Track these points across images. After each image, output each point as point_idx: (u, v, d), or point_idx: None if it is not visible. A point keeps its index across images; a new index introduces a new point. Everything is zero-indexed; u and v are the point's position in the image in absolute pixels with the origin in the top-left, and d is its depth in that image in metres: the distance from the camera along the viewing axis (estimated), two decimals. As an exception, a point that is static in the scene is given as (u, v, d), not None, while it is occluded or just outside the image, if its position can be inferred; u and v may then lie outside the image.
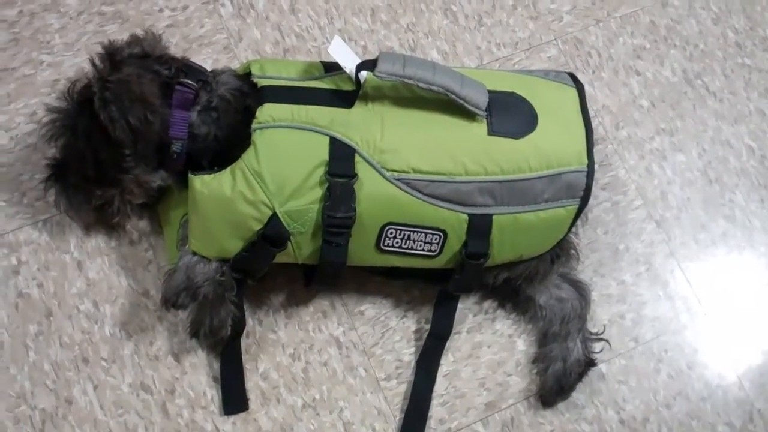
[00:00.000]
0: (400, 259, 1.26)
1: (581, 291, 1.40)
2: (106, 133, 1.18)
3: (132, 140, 1.18)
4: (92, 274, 1.37)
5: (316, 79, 1.25)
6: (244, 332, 1.34)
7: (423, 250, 1.24)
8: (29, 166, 1.41)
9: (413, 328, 1.41)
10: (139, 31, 1.28)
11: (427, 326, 1.39)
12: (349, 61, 1.23)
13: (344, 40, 1.53)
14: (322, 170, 1.17)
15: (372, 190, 1.18)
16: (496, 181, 1.20)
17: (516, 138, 1.21)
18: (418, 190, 1.19)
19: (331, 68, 1.27)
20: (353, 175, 1.17)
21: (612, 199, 1.53)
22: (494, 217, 1.22)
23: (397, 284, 1.41)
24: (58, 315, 1.34)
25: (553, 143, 1.23)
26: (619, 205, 1.53)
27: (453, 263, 1.28)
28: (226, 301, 1.26)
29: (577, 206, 1.25)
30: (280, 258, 1.23)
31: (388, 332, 1.40)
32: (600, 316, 1.45)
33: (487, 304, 1.44)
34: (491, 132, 1.21)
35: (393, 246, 1.23)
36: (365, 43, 1.57)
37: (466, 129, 1.21)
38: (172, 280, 1.24)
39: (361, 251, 1.24)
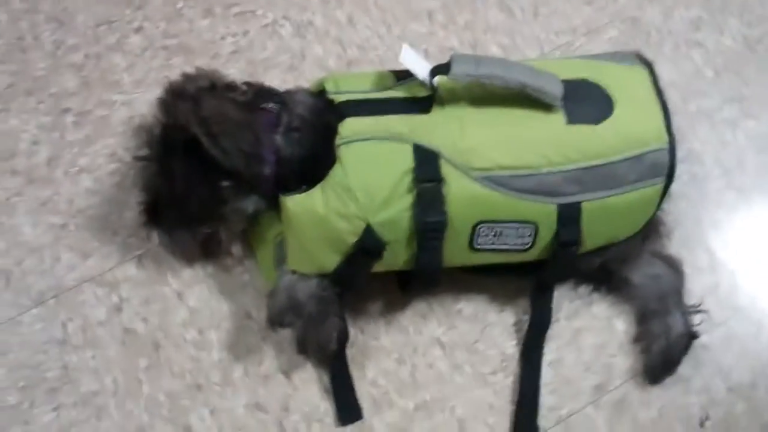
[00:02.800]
0: (494, 255, 1.27)
1: (674, 266, 1.40)
2: (204, 169, 1.21)
3: (246, 166, 1.20)
4: (193, 303, 1.39)
5: (389, 89, 1.27)
6: (348, 342, 1.35)
7: (516, 244, 1.25)
8: (116, 205, 1.44)
9: (512, 320, 1.41)
10: (190, 69, 1.30)
11: (526, 317, 1.39)
12: (420, 68, 1.24)
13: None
14: (409, 177, 1.18)
15: (460, 191, 1.19)
16: (581, 168, 1.21)
17: (595, 124, 1.22)
18: (504, 186, 1.20)
19: (403, 76, 1.28)
20: (440, 179, 1.18)
21: (690, 171, 1.54)
22: (583, 204, 1.23)
23: (491, 280, 1.42)
24: (165, 346, 1.36)
25: (631, 125, 1.23)
26: (698, 177, 1.53)
27: (546, 254, 1.28)
28: (330, 315, 1.28)
29: (662, 184, 1.25)
30: (377, 267, 1.25)
31: (488, 327, 1.41)
32: (694, 288, 1.45)
33: (582, 289, 1.44)
34: (570, 121, 1.22)
35: (486, 244, 1.24)
36: (426, 47, 1.58)
37: (544, 120, 1.22)
38: (275, 301, 1.26)
39: (456, 252, 1.25)
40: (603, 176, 1.22)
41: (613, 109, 1.23)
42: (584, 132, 1.21)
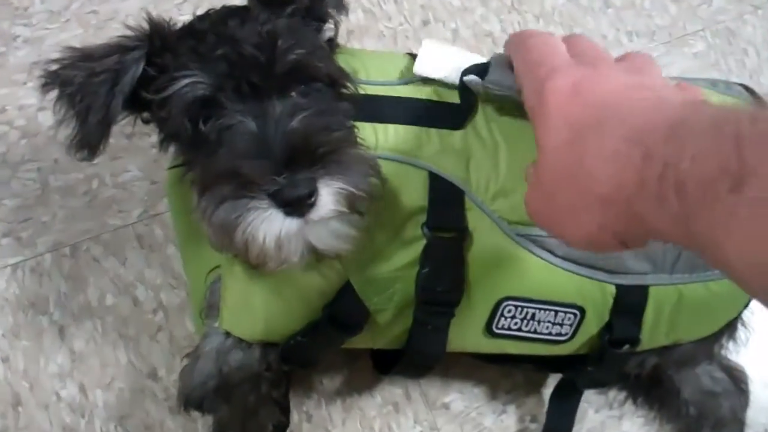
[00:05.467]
0: (517, 344, 0.88)
1: (739, 383, 1.03)
2: None
3: None
4: (79, 345, 0.99)
5: (409, 83, 0.84)
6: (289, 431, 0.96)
7: (550, 333, 0.86)
8: (-4, 186, 1.02)
9: (514, 428, 1.04)
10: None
11: (533, 426, 1.03)
12: (447, 69, 0.82)
13: (429, 20, 1.13)
14: (417, 220, 0.79)
15: (487, 251, 0.81)
16: None
17: None
18: (550, 251, 0.82)
19: None
20: (463, 228, 0.80)
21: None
22: (651, 288, 0.85)
23: (495, 368, 1.03)
24: (29, 404, 0.96)
25: None
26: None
27: (586, 349, 0.90)
28: (268, 401, 0.89)
29: None
30: (351, 343, 0.86)
31: (481, 434, 1.03)
32: (756, 412, 1.07)
33: (612, 395, 1.07)
34: None
35: (510, 328, 0.86)
36: (456, 26, 1.17)
37: None
38: (194, 372, 0.85)
39: (465, 334, 0.86)
40: (686, 254, 0.85)
41: None
42: None
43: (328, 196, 0.65)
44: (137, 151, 1.04)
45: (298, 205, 0.64)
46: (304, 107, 0.69)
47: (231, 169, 0.65)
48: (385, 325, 0.84)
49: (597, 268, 0.84)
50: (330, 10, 0.79)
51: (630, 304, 0.86)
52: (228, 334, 0.84)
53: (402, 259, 0.80)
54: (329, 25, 0.78)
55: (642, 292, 0.86)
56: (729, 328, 0.98)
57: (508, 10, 1.18)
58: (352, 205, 0.68)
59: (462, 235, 0.80)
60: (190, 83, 0.68)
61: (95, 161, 0.96)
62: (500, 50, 1.11)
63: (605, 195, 0.48)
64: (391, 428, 1.02)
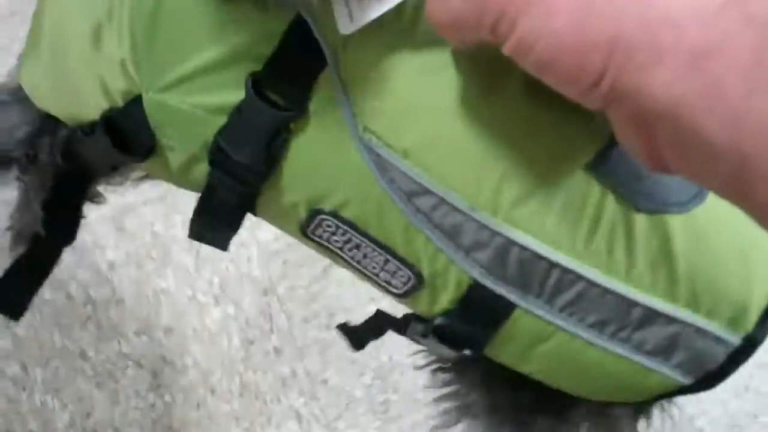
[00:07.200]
0: (343, 263, 0.65)
1: None
2: None
3: None
4: (21, 331, 1.18)
5: None
6: (196, 403, 1.19)
7: (377, 275, 0.62)
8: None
9: (380, 398, 1.29)
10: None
11: (395, 397, 1.27)
12: None
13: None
14: (249, 66, 0.56)
15: (319, 146, 0.58)
16: (569, 269, 0.57)
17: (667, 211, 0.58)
18: (403, 192, 0.57)
19: None
20: (299, 110, 0.56)
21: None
22: (518, 311, 0.60)
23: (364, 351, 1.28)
24: (-22, 380, 1.16)
25: (718, 254, 0.59)
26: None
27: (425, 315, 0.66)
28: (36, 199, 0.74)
29: (680, 386, 0.62)
30: (147, 169, 0.67)
31: (353, 404, 1.27)
32: None
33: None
34: (593, 166, 0.58)
35: (329, 241, 0.62)
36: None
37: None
38: None
39: (277, 221, 0.65)
40: (599, 306, 0.58)
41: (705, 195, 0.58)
42: (618, 214, 0.57)
43: None
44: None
45: None
46: None
47: None
48: (179, 169, 0.62)
49: (458, 245, 0.58)
50: None
51: (481, 309, 0.61)
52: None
53: (212, 99, 0.57)
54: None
55: (504, 307, 0.60)
56: (639, 409, 0.71)
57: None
58: None
59: (293, 113, 0.56)
60: None
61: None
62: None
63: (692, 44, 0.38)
64: (280, 400, 1.25)
